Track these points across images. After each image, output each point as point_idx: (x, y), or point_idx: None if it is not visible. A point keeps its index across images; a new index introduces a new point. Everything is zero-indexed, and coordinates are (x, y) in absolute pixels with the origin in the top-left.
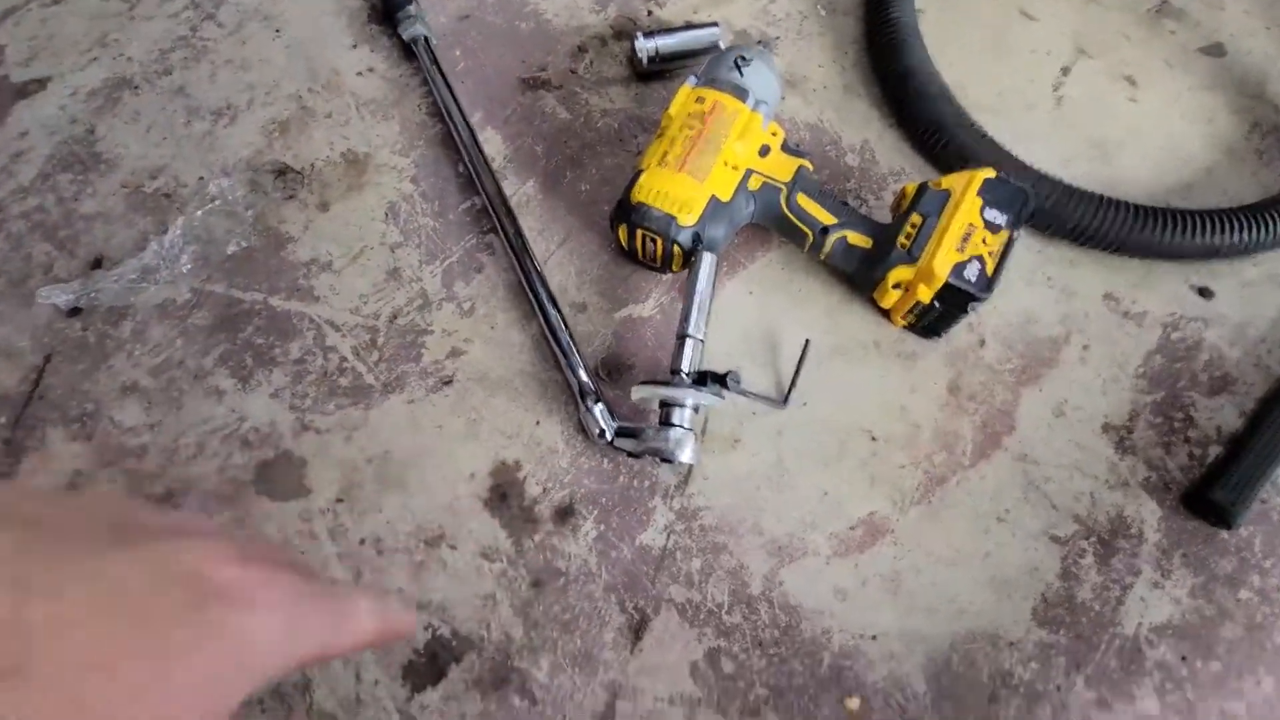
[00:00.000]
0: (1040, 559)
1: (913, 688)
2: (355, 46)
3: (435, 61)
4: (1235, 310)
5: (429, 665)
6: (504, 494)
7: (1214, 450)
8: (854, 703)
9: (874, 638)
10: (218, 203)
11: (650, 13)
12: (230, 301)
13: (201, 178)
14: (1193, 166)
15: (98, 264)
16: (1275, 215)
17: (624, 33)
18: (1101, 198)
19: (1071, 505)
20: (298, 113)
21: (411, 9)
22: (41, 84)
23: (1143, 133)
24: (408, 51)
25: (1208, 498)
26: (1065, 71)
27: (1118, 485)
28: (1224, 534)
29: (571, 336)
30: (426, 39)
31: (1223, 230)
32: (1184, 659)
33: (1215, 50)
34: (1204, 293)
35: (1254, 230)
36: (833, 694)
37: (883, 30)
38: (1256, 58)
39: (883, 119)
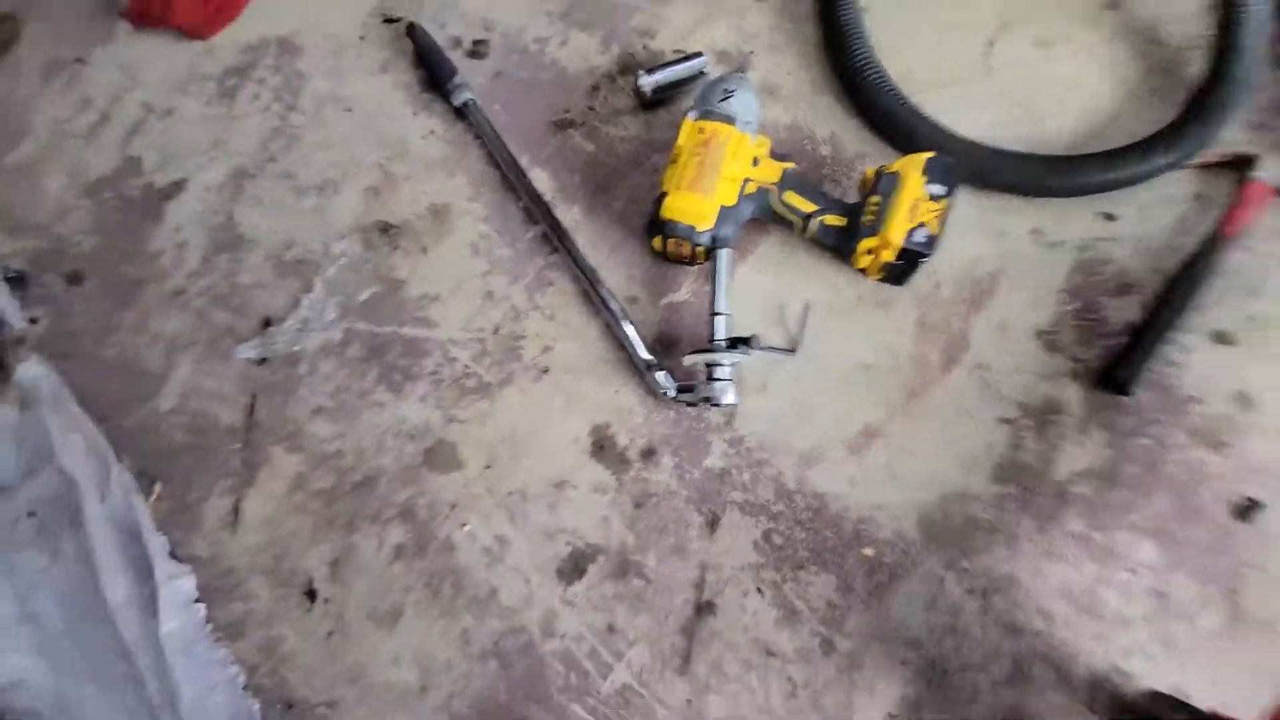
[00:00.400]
0: (994, 437)
1: (910, 536)
2: (415, 115)
3: (484, 127)
4: (1135, 228)
5: (573, 567)
6: (602, 446)
7: (1121, 340)
8: (869, 551)
9: (880, 507)
10: (343, 260)
11: (645, 46)
12: (372, 336)
13: (324, 242)
14: (1103, 113)
15: (268, 323)
16: (1156, 148)
17: (628, 68)
18: (1018, 154)
19: (1015, 396)
20: (383, 178)
21: (457, 79)
22: (179, 185)
23: (1060, 89)
24: (459, 113)
25: (1111, 375)
26: (991, 44)
27: (1048, 376)
28: (1125, 400)
29: (631, 324)
30: (474, 101)
31: (1115, 166)
32: (1096, 489)
33: (1115, 5)
34: (1109, 217)
35: (1140, 162)
36: (854, 549)
37: (834, 33)
38: (1150, 5)
39: (845, 111)
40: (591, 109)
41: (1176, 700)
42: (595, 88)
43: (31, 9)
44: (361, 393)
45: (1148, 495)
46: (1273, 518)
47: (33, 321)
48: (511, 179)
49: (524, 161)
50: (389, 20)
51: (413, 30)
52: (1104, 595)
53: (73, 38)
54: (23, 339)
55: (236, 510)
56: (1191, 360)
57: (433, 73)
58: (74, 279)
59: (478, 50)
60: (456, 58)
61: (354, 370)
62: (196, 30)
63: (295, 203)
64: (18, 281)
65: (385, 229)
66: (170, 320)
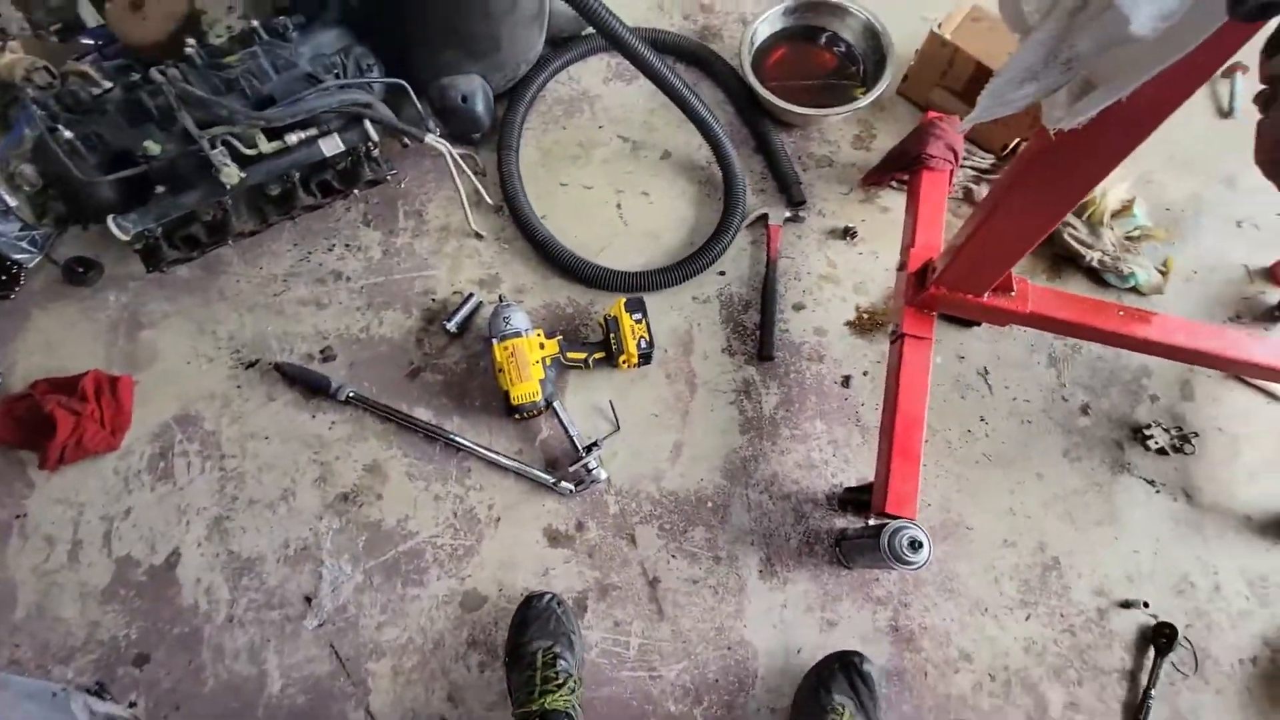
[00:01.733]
0: (731, 413)
1: (722, 483)
2: (314, 417)
3: (367, 402)
4: (734, 272)
5: (580, 608)
6: (554, 537)
7: (757, 333)
8: (709, 503)
9: (701, 479)
10: (331, 532)
11: (432, 300)
12: (383, 565)
13: (310, 529)
14: (691, 220)
15: (309, 599)
16: (723, 230)
17: (431, 319)
18: (665, 267)
19: (728, 387)
20: (321, 468)
21: (332, 383)
22: (175, 553)
23: (665, 218)
24: (345, 402)
25: (761, 353)
26: (619, 206)
27: (737, 369)
28: (774, 361)
29: (527, 465)
30: (352, 391)
31: (709, 250)
32: (785, 411)
33: (667, 155)
34: (722, 273)
35: (719, 242)
36: (701, 506)
37: (536, 242)
38: (684, 147)
39: (565, 282)
40: (425, 354)
41: (859, 485)
42: (419, 340)
43: None
44: (400, 599)
45: (805, 399)
46: (857, 381)
47: (133, 705)
48: (405, 423)
49: (404, 408)
50: (250, 365)
51: (279, 367)
52: (813, 457)
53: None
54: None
55: (369, 713)
56: (790, 325)
57: (311, 387)
58: (141, 660)
59: (327, 355)
60: (316, 366)
61: (385, 590)
62: (108, 446)
63: (272, 516)
64: (101, 689)
65: (345, 497)
66: (237, 638)
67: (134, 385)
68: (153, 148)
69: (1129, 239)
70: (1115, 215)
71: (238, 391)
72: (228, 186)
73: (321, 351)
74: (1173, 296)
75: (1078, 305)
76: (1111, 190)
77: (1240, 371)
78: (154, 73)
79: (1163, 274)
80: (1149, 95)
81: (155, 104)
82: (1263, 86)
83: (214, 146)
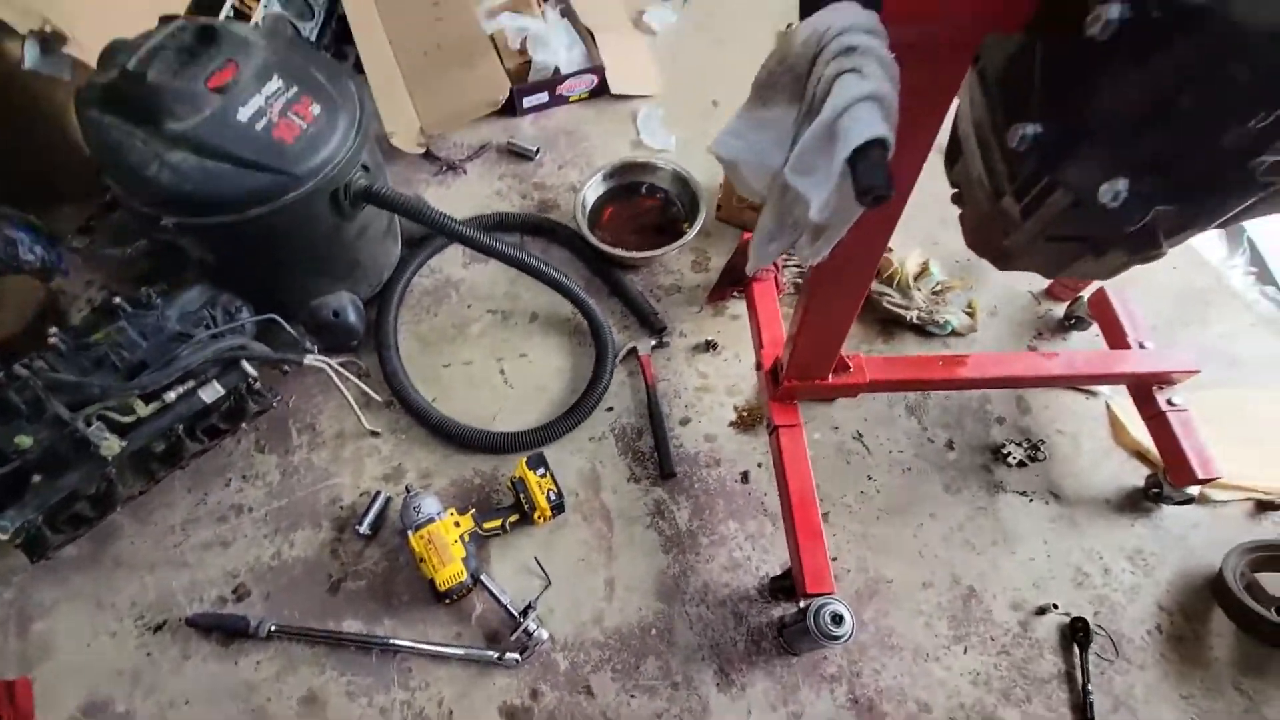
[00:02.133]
0: (650, 537)
1: (660, 606)
2: (237, 663)
3: (291, 630)
4: (620, 405)
5: None
6: (511, 713)
7: (655, 454)
8: (652, 630)
9: (640, 609)
10: None
11: (339, 506)
12: None
13: None
14: (569, 373)
15: None
16: (600, 375)
17: (342, 526)
18: (557, 418)
19: (642, 513)
20: (253, 717)
21: (252, 621)
22: None
23: (546, 374)
24: (269, 636)
25: (663, 472)
26: (503, 373)
27: (645, 493)
28: (677, 476)
29: (468, 646)
30: (271, 625)
31: (592, 395)
32: (699, 520)
33: (535, 317)
34: (610, 409)
35: (599, 386)
36: (646, 635)
37: (430, 424)
38: (548, 306)
39: (469, 456)
40: (343, 564)
41: (782, 573)
42: (334, 551)
43: None
44: None
45: (714, 504)
46: (755, 475)
47: None
48: (334, 640)
49: (331, 625)
50: (157, 628)
51: (191, 621)
52: (735, 556)
53: None
54: None
55: None
56: (682, 439)
57: (228, 632)
58: None
59: (240, 594)
60: (231, 608)
61: None
62: None
63: None
64: None
65: None
66: None
67: (32, 685)
68: (24, 442)
69: (935, 293)
70: (917, 277)
71: (148, 660)
72: (109, 458)
73: (234, 591)
74: (984, 333)
75: (906, 365)
76: (909, 258)
77: (1047, 385)
78: (18, 369)
79: (970, 315)
80: (866, 225)
81: (22, 399)
82: (953, 189)
83: (90, 424)
